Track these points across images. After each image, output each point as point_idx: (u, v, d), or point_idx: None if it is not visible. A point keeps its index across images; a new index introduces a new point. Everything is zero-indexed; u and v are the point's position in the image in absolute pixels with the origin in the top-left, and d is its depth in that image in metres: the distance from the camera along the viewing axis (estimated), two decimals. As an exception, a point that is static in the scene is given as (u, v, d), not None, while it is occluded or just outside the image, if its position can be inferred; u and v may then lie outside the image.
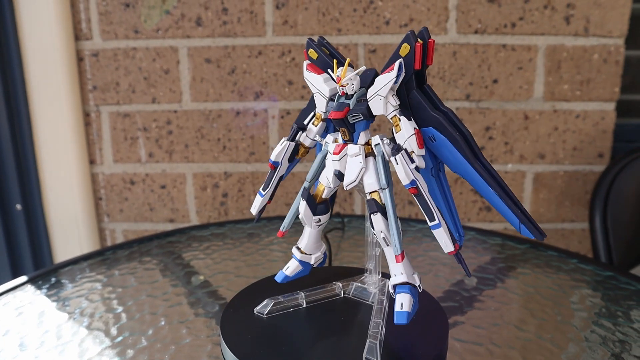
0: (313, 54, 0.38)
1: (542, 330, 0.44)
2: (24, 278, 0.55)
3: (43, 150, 0.92)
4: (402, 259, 0.34)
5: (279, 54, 0.88)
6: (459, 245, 0.34)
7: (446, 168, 0.36)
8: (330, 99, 0.36)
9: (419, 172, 0.33)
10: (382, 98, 0.34)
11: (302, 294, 0.41)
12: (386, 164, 0.35)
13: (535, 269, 0.56)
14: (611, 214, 0.77)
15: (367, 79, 0.35)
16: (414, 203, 0.93)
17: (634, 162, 0.79)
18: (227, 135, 0.92)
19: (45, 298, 0.51)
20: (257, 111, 0.91)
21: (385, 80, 0.33)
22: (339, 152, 0.36)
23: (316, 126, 0.38)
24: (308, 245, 0.40)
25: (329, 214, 0.39)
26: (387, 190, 0.34)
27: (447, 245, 0.33)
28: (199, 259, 0.60)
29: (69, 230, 0.95)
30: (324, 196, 0.38)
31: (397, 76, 0.33)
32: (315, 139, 0.39)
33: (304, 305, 0.41)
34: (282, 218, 0.73)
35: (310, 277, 0.42)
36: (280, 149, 0.38)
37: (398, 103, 0.34)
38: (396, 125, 0.34)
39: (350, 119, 0.35)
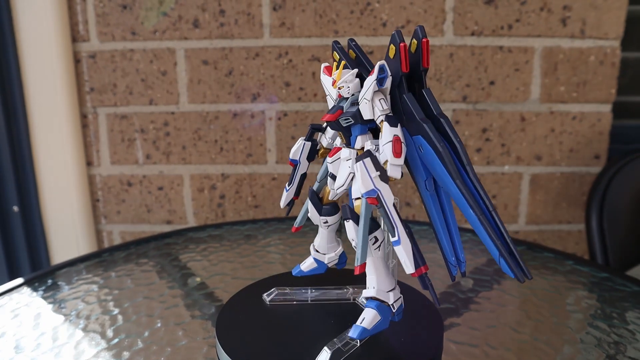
0: (336, 56, 0.37)
1: (538, 331, 0.44)
2: (20, 280, 0.55)
3: (40, 151, 0.92)
4: (360, 271, 0.32)
5: (276, 56, 0.88)
6: (426, 268, 0.31)
7: None
8: (339, 102, 0.36)
9: (387, 182, 0.31)
10: (367, 102, 0.33)
11: (310, 290, 0.41)
12: None
13: (532, 270, 0.56)
14: (607, 215, 0.77)
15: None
16: (411, 205, 0.94)
17: (631, 163, 0.80)
18: (225, 137, 0.92)
19: (41, 300, 0.51)
20: (254, 113, 0.91)
21: (368, 83, 0.32)
22: (332, 155, 0.36)
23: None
24: (321, 245, 0.41)
25: (337, 215, 0.39)
26: (363, 198, 0.32)
27: (406, 266, 0.31)
28: (196, 261, 0.60)
29: (66, 232, 0.95)
30: (330, 198, 0.38)
31: (380, 79, 0.32)
32: (330, 140, 0.39)
33: (309, 301, 0.41)
34: (280, 220, 0.73)
35: (325, 277, 0.42)
36: (296, 148, 0.39)
37: (386, 108, 0.32)
38: (381, 131, 0.32)
39: (342, 122, 0.34)
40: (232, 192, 0.95)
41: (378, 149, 0.33)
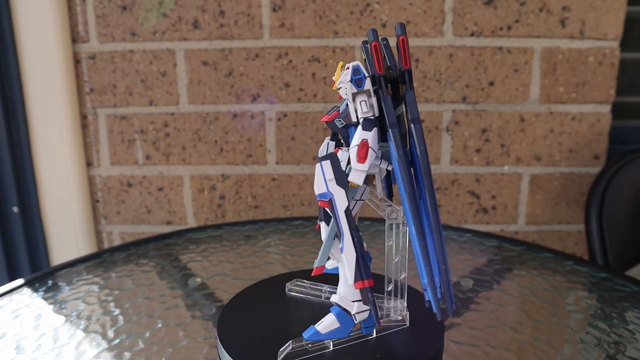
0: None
1: (538, 331, 0.44)
2: (20, 281, 0.55)
3: (40, 152, 0.92)
4: (315, 273, 0.32)
5: (276, 57, 0.88)
6: (370, 282, 0.30)
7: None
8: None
9: (344, 186, 0.31)
10: (350, 103, 0.32)
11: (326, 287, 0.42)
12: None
13: (532, 270, 0.57)
14: (607, 215, 0.77)
15: None
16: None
17: (630, 164, 0.80)
18: (224, 138, 0.92)
19: (42, 301, 0.51)
20: (254, 113, 0.91)
21: (344, 85, 0.32)
22: None
23: None
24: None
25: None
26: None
27: (348, 276, 0.31)
28: (196, 261, 0.60)
29: (66, 233, 0.95)
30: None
31: (357, 80, 0.31)
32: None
33: (323, 298, 0.40)
34: (280, 220, 0.73)
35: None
36: (322, 146, 0.38)
37: (366, 110, 0.32)
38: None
39: (337, 123, 0.34)
40: (232, 192, 0.95)
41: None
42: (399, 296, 0.37)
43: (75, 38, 0.89)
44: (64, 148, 0.91)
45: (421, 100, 0.89)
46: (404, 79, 0.31)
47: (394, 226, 0.35)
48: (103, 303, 0.50)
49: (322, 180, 0.31)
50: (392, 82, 0.33)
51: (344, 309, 0.33)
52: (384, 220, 0.35)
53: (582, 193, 0.92)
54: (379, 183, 0.36)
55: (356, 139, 0.31)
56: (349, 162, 0.32)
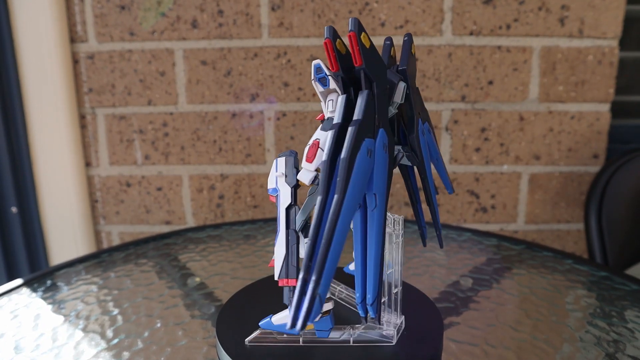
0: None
1: (537, 330, 0.44)
2: (19, 281, 0.54)
3: (39, 152, 0.91)
4: (271, 264, 0.32)
5: (275, 56, 0.88)
6: (294, 282, 0.30)
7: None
8: None
9: (291, 184, 0.31)
10: (322, 102, 0.32)
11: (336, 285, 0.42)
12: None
13: (531, 269, 0.57)
14: (606, 214, 0.77)
15: None
16: (409, 205, 0.93)
17: (629, 163, 0.80)
18: (223, 137, 0.92)
19: (40, 301, 0.51)
20: (253, 113, 0.91)
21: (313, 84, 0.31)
22: None
23: None
24: None
25: None
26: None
27: (276, 272, 0.31)
28: (195, 261, 0.60)
29: (65, 233, 0.95)
30: None
31: (320, 79, 0.30)
32: None
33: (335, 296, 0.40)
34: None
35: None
36: None
37: (332, 110, 0.31)
38: None
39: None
40: (231, 192, 0.95)
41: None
42: (392, 309, 0.36)
43: (73, 38, 0.89)
44: (63, 148, 0.91)
45: (420, 100, 0.89)
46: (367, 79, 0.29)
47: (387, 237, 0.35)
48: (102, 303, 0.50)
49: (274, 176, 0.32)
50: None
51: None
52: None
53: (581, 192, 0.92)
54: None
55: (312, 139, 0.31)
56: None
